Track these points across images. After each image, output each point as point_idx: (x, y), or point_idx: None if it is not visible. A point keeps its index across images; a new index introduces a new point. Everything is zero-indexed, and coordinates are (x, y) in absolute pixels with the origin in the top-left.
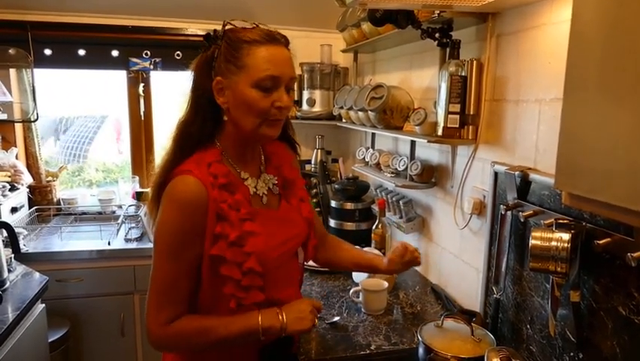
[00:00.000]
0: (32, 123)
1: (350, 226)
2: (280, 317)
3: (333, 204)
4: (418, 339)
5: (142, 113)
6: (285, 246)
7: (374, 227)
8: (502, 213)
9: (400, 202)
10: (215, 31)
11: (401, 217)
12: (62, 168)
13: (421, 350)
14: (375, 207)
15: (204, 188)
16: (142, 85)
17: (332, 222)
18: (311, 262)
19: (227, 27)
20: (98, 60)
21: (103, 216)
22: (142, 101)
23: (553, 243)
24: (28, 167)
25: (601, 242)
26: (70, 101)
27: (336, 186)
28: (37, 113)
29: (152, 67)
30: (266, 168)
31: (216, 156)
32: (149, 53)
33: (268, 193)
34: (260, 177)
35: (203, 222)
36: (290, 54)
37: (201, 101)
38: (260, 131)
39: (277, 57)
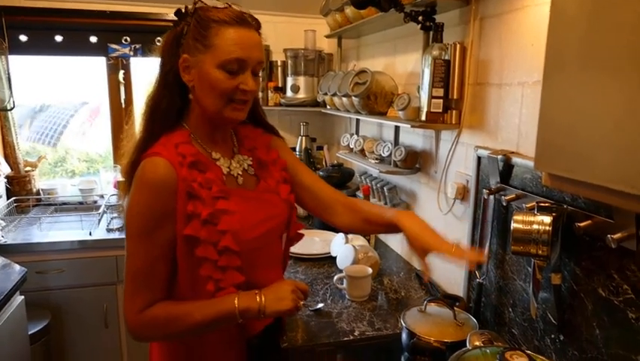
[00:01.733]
0: (9, 112)
1: None
2: (258, 298)
3: None
4: (402, 324)
5: (123, 101)
6: (264, 226)
7: None
8: (485, 197)
9: (385, 188)
10: (186, 7)
11: (385, 203)
12: (41, 157)
13: (404, 335)
14: (360, 194)
15: (172, 168)
16: (122, 72)
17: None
18: (298, 249)
19: (197, 4)
20: (75, 46)
21: (84, 207)
22: (122, 88)
23: (535, 226)
24: (6, 157)
25: (582, 224)
26: (49, 88)
27: (321, 173)
28: (13, 102)
29: (132, 53)
30: (239, 150)
31: (184, 138)
32: (128, 39)
33: (244, 174)
34: (233, 158)
35: (173, 203)
36: (260, 38)
37: (169, 78)
38: (224, 113)
39: (246, 40)
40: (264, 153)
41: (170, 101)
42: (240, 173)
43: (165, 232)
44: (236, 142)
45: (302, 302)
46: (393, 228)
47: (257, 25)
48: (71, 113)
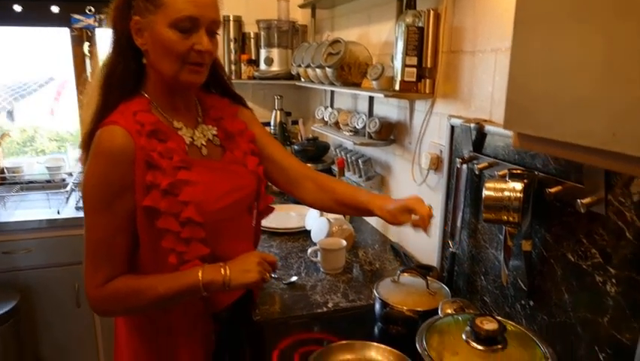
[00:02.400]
0: None
1: None
2: (223, 271)
3: None
4: (375, 295)
5: (89, 75)
6: (230, 198)
7: None
8: (458, 166)
9: (359, 161)
10: None
11: (360, 176)
12: (5, 135)
13: (377, 305)
14: (335, 168)
15: (130, 136)
16: (87, 44)
17: (308, 167)
18: (272, 223)
19: None
20: (36, 17)
21: (52, 185)
22: (88, 61)
23: (506, 193)
24: None
25: (552, 190)
26: (9, 63)
27: (296, 147)
28: None
29: (96, 24)
30: (204, 120)
31: (143, 106)
32: (92, 8)
33: (208, 144)
34: (197, 128)
35: (131, 173)
36: None
37: (122, 43)
38: (180, 76)
39: None
40: (230, 124)
41: (125, 67)
42: (204, 143)
43: (124, 203)
44: (201, 112)
45: (269, 274)
46: (365, 212)
47: None
48: (34, 88)
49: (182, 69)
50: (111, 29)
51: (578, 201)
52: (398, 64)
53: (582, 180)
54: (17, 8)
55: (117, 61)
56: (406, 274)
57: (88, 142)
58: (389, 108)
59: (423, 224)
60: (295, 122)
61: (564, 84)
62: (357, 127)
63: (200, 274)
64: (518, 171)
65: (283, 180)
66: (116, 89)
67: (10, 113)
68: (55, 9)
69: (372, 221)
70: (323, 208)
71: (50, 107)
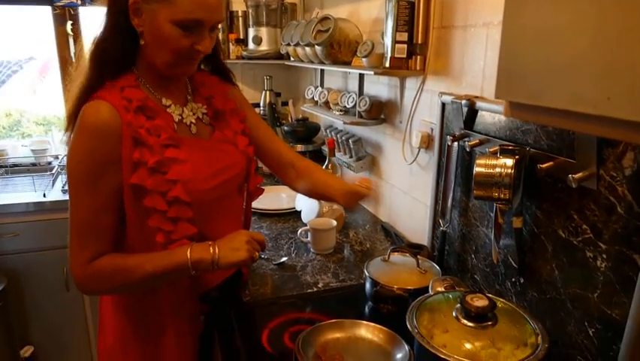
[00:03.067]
0: None
1: None
2: (212, 249)
3: None
4: (365, 274)
5: (72, 55)
6: (219, 177)
7: (324, 168)
8: (449, 144)
9: (350, 141)
10: None
11: (351, 157)
12: None
13: (367, 285)
14: (326, 149)
15: (116, 112)
16: (70, 22)
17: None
18: (262, 205)
19: None
20: None
21: (37, 168)
22: (71, 40)
23: (497, 169)
24: None
25: (544, 166)
26: None
27: (286, 128)
28: None
29: (80, 2)
30: (194, 98)
31: (131, 82)
32: None
33: (198, 123)
34: (186, 106)
35: (117, 149)
36: None
37: (119, 20)
38: (174, 69)
39: (208, 0)
40: (220, 102)
41: (121, 44)
42: (194, 121)
43: (110, 180)
44: (191, 89)
45: (258, 253)
46: (332, 200)
47: None
48: (14, 69)
49: (177, 63)
50: (106, 5)
51: (570, 176)
52: (388, 40)
53: (574, 155)
54: None
55: (113, 38)
56: (396, 253)
57: (73, 120)
58: (379, 87)
59: (372, 196)
60: (285, 104)
61: (556, 49)
62: (347, 106)
63: (188, 253)
64: (509, 147)
65: (270, 163)
66: (109, 66)
67: None
68: None
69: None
70: (304, 194)
71: (33, 88)
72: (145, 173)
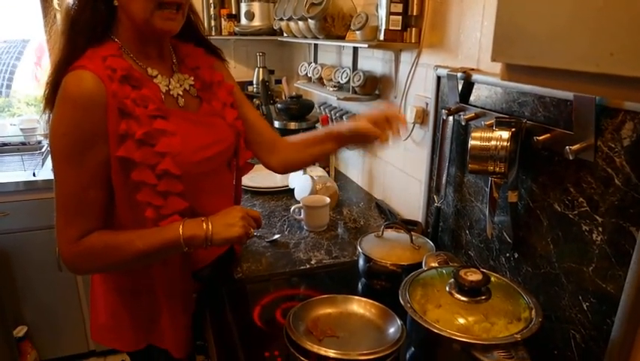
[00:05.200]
0: None
1: None
2: (205, 225)
3: (276, 124)
4: (358, 250)
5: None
6: (208, 150)
7: None
8: (444, 118)
9: (344, 118)
10: None
11: None
12: None
13: (360, 261)
14: (320, 126)
15: (100, 81)
16: None
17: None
18: (254, 182)
19: None
20: None
21: (27, 147)
22: (59, 16)
23: (493, 142)
24: None
25: (540, 138)
26: None
27: (279, 105)
28: None
29: None
30: (179, 69)
31: (113, 50)
32: None
33: (185, 95)
34: (172, 77)
35: (103, 120)
36: None
37: None
38: (153, 22)
39: None
40: (208, 74)
41: (94, 9)
42: (181, 93)
43: (96, 153)
44: (176, 60)
45: (253, 230)
46: (329, 135)
47: None
48: (16, 57)
49: (154, 12)
50: None
51: (567, 148)
52: (383, 12)
53: (571, 127)
54: None
55: (84, 2)
56: (390, 229)
57: (53, 93)
58: (374, 62)
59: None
60: (279, 82)
61: (556, 7)
62: (341, 82)
63: (180, 229)
64: (505, 119)
65: (254, 141)
66: (83, 33)
67: None
68: None
69: (357, 179)
70: (290, 163)
71: (33, 73)
72: (132, 145)
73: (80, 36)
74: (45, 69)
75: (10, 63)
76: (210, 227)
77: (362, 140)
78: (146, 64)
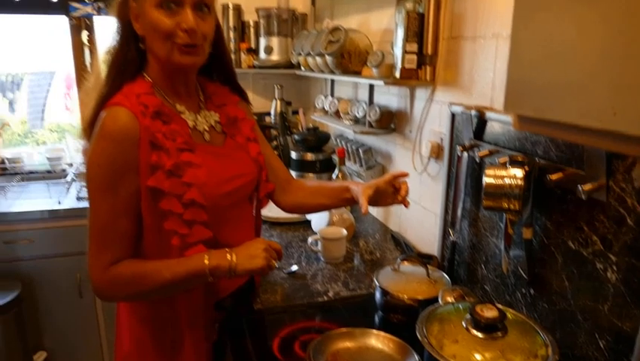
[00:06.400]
0: None
1: (311, 177)
2: (229, 256)
3: (293, 155)
4: (375, 283)
5: (88, 64)
6: (232, 184)
7: (334, 177)
8: (459, 154)
9: (360, 150)
10: None
11: (361, 166)
12: (5, 124)
13: (377, 294)
14: (336, 157)
15: (134, 117)
16: (86, 32)
17: (293, 174)
18: (272, 213)
19: None
20: (34, 5)
21: (52, 175)
22: (87, 50)
23: (507, 180)
24: None
25: (553, 177)
26: (13, 54)
27: (296, 137)
28: None
29: (95, 12)
30: (206, 105)
31: (146, 89)
32: None
33: (210, 130)
34: (199, 113)
35: (135, 153)
36: None
37: (124, 30)
38: (172, 58)
39: None
40: (232, 111)
41: (128, 53)
42: (207, 129)
43: (129, 184)
44: (203, 98)
45: (274, 261)
46: (343, 192)
47: None
48: (47, 88)
49: (172, 50)
50: (115, 17)
51: (579, 187)
52: (398, 51)
53: (583, 167)
54: None
55: (120, 47)
56: (406, 262)
57: (91, 127)
58: (389, 97)
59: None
60: (295, 112)
61: (564, 64)
62: (357, 116)
63: (206, 260)
64: (519, 158)
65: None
66: (119, 74)
67: (10, 104)
68: None
69: (373, 211)
70: (300, 206)
71: (64, 103)
72: (162, 176)
73: (115, 76)
74: (74, 99)
75: (43, 96)
76: (234, 258)
77: (381, 202)
78: (175, 100)
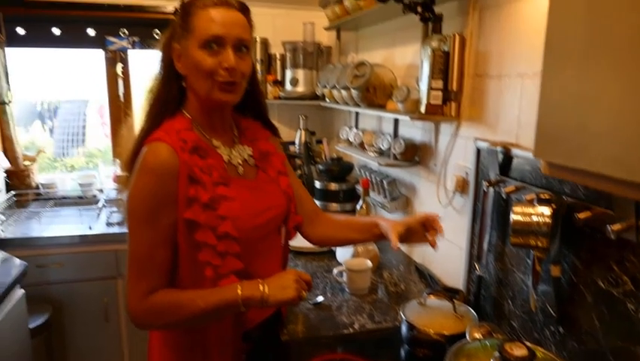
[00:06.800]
0: (7, 106)
1: (334, 206)
2: (261, 287)
3: (317, 185)
4: (401, 317)
5: (121, 94)
6: (264, 216)
7: (358, 207)
8: (485, 189)
9: (384, 182)
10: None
11: (385, 197)
12: (40, 151)
13: (404, 328)
14: (360, 188)
15: (174, 152)
16: (120, 65)
17: (316, 203)
18: (297, 243)
19: None
20: (73, 39)
21: (84, 201)
22: (121, 81)
23: (535, 218)
24: (5, 151)
25: (581, 216)
26: (50, 83)
27: (320, 166)
28: (11, 95)
29: (130, 46)
30: (240, 140)
31: (185, 125)
32: (126, 31)
33: (244, 164)
34: (234, 147)
35: (175, 187)
36: (243, 17)
37: (167, 70)
38: (213, 95)
39: (224, 18)
40: (264, 145)
41: (169, 91)
42: (240, 162)
43: (168, 216)
44: (237, 132)
45: (305, 292)
46: (372, 227)
47: (240, 7)
48: (83, 117)
49: (213, 87)
50: (159, 56)
51: (608, 227)
52: (424, 87)
53: (612, 207)
54: (56, 31)
55: (162, 86)
56: (432, 296)
57: (132, 160)
58: (414, 130)
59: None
60: (319, 142)
61: (594, 114)
62: (382, 148)
63: (239, 290)
64: (546, 196)
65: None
66: (160, 111)
67: (51, 131)
68: (91, 32)
69: None
70: (329, 239)
71: (100, 132)
72: (199, 209)
73: (157, 113)
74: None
75: (76, 124)
76: (266, 289)
77: (410, 240)
78: (212, 135)
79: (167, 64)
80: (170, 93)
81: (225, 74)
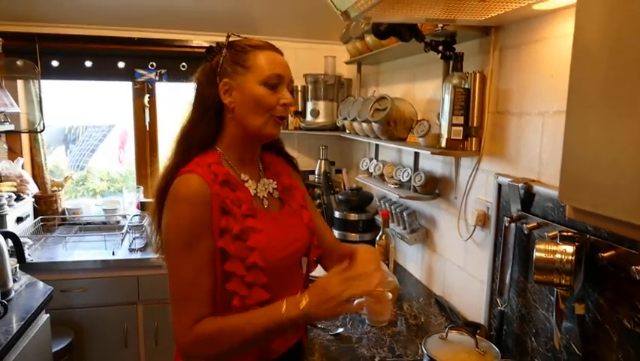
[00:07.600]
0: (38, 134)
1: (353, 236)
2: (303, 301)
3: (336, 214)
4: (423, 351)
5: (147, 124)
6: (288, 248)
7: (378, 238)
8: (506, 225)
9: (404, 213)
10: (217, 43)
11: (405, 228)
12: (67, 178)
13: None
14: (379, 218)
15: (206, 184)
16: (147, 96)
17: (335, 233)
18: (317, 273)
19: (230, 38)
20: (104, 71)
21: (107, 226)
22: (147, 111)
23: (558, 255)
24: (34, 177)
25: (605, 255)
26: (78, 111)
27: (340, 196)
28: (43, 124)
29: (157, 78)
30: (264, 174)
31: (216, 159)
32: (154, 64)
33: (269, 197)
34: (259, 181)
35: (209, 216)
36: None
37: (208, 103)
38: (265, 129)
39: (278, 60)
40: (287, 179)
41: (209, 125)
42: (266, 196)
43: (205, 243)
44: (262, 167)
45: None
46: None
47: (281, 52)
48: (100, 138)
49: (268, 122)
50: (195, 92)
51: (633, 268)
52: (445, 122)
53: (636, 247)
54: (88, 63)
55: (201, 120)
56: (453, 331)
57: (164, 191)
58: (434, 163)
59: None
60: (339, 172)
61: (620, 162)
62: (402, 180)
63: (283, 309)
64: (569, 234)
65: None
66: (196, 144)
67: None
68: (121, 64)
69: (416, 273)
70: None
71: (117, 156)
72: (229, 239)
73: (193, 146)
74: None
75: (93, 144)
76: (306, 303)
77: None
78: (240, 170)
79: (210, 99)
80: (209, 128)
81: (282, 109)
